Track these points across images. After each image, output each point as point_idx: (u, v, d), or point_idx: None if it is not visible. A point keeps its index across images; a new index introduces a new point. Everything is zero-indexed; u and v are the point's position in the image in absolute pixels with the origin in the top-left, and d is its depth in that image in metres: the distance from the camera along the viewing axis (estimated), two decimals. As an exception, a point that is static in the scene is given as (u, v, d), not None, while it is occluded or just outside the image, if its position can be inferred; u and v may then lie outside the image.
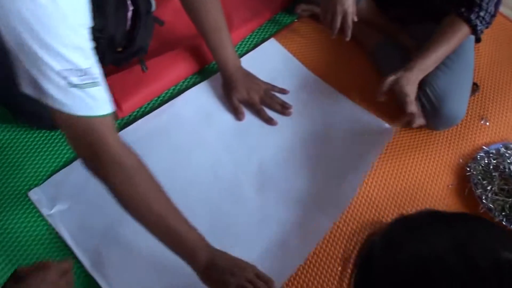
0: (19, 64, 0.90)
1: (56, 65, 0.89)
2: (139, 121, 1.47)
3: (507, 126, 1.60)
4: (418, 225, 0.60)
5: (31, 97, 0.94)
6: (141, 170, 1.04)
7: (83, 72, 0.92)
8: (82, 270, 1.22)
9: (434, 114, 1.47)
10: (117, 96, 1.45)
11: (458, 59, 1.52)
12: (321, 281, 1.25)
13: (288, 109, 1.53)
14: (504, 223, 1.36)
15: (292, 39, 1.73)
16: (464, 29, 1.45)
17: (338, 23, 1.50)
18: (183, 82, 1.59)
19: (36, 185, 1.34)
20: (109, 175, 1.01)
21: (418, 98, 1.47)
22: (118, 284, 1.21)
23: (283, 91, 1.57)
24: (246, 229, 1.31)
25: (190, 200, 1.28)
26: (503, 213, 1.38)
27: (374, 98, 1.49)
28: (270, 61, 1.64)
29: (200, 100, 1.54)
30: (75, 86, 0.92)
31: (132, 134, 1.43)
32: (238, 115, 1.51)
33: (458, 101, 1.48)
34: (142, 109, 1.52)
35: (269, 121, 1.51)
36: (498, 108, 1.64)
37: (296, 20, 1.80)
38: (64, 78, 0.90)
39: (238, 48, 1.68)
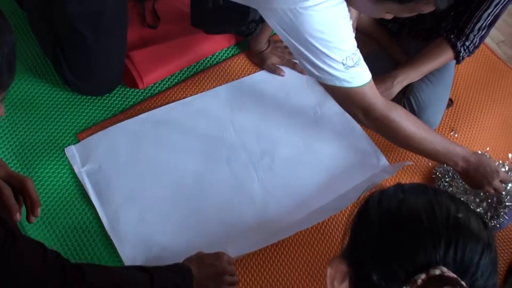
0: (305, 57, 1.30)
1: (338, 57, 1.26)
2: (159, 109, 1.64)
3: (473, 139, 1.87)
4: (408, 189, 0.81)
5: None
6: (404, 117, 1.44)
7: (353, 54, 1.28)
8: (101, 228, 1.42)
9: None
10: (140, 69, 1.65)
11: (441, 75, 1.77)
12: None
13: None
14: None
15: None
16: (449, 53, 1.70)
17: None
18: (204, 60, 1.81)
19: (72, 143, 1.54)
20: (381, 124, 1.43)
21: (403, 104, 1.72)
22: (130, 247, 1.39)
23: None
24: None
25: (204, 192, 1.53)
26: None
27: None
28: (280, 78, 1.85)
29: (224, 98, 1.73)
30: (351, 66, 1.28)
31: (151, 119, 1.62)
32: (280, 74, 1.82)
33: (435, 112, 1.74)
34: (163, 83, 1.73)
35: (302, 70, 1.81)
36: (467, 122, 1.91)
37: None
38: (344, 64, 1.27)
39: (232, 48, 1.88)
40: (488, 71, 2.06)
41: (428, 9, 1.22)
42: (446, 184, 1.70)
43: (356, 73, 1.31)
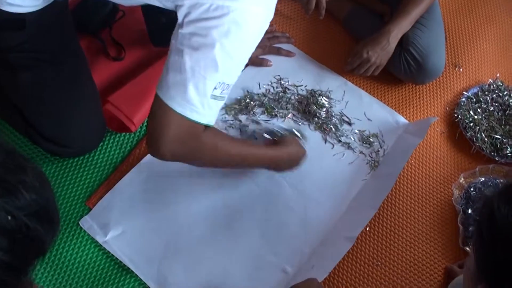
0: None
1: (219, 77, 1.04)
2: None
3: (479, 70, 1.81)
4: None
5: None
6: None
7: (228, 86, 1.06)
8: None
9: (419, 70, 1.63)
10: (126, 112, 1.50)
11: (431, 17, 1.68)
12: None
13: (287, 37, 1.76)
14: (496, 158, 1.56)
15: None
16: None
17: (312, 5, 1.57)
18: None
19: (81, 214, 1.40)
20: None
21: (404, 57, 1.63)
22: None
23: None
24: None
25: (239, 217, 1.42)
26: (494, 150, 1.58)
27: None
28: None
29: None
30: (214, 97, 1.04)
31: (155, 161, 1.33)
32: (268, 64, 1.69)
33: (439, 55, 1.65)
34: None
35: (288, 53, 1.72)
36: (467, 54, 1.84)
37: None
38: (214, 89, 1.03)
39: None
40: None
41: None
42: (471, 124, 1.62)
43: (213, 107, 1.08)
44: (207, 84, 1.03)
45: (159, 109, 1.06)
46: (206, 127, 1.11)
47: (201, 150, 1.14)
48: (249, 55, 1.08)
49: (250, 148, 1.32)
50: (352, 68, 1.64)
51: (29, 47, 1.29)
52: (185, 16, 1.03)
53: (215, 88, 1.04)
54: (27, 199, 0.61)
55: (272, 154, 1.35)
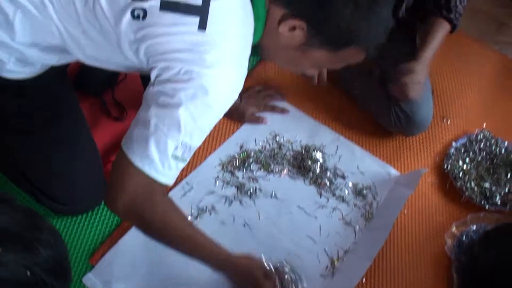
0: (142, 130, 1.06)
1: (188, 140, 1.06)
2: None
3: (465, 120, 1.89)
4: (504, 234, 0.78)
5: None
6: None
7: (190, 148, 1.07)
8: None
9: (409, 122, 1.70)
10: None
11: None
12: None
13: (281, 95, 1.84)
14: (486, 206, 1.62)
15: (261, 79, 1.90)
16: (446, 27, 1.69)
17: (316, 80, 1.60)
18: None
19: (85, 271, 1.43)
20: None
21: (393, 110, 1.70)
22: None
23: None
24: None
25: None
26: (484, 198, 1.64)
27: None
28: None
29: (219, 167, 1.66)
30: (175, 157, 1.06)
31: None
32: (264, 122, 1.75)
33: (426, 108, 1.73)
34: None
35: (283, 110, 1.79)
36: (454, 106, 1.92)
37: (260, 61, 1.94)
38: (175, 148, 1.05)
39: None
40: (453, 47, 2.06)
41: (358, 58, 1.17)
42: (460, 174, 1.68)
43: (172, 168, 1.09)
44: (168, 142, 1.05)
45: (120, 161, 1.09)
46: (164, 194, 1.13)
47: (152, 212, 1.12)
48: (214, 122, 1.11)
49: (205, 237, 1.21)
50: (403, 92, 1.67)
51: (28, 110, 1.34)
52: (157, 76, 1.07)
53: (176, 148, 1.06)
54: (44, 255, 0.66)
55: (225, 256, 1.23)
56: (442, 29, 1.69)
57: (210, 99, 1.05)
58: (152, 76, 1.08)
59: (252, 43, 1.13)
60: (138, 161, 1.06)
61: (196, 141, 1.09)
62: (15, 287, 0.63)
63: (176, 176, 1.12)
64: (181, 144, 1.06)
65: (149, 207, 1.11)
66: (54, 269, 0.68)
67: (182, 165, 1.10)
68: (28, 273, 0.64)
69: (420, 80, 1.64)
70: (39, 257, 0.66)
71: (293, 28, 1.09)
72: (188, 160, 1.10)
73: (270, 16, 1.11)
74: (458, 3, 1.67)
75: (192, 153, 1.10)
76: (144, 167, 1.06)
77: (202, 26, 1.03)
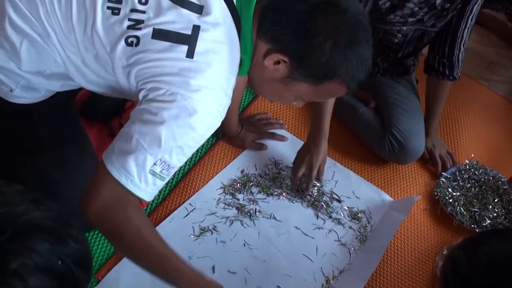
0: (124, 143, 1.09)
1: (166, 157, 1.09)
2: (165, 221, 1.60)
3: (455, 151, 1.99)
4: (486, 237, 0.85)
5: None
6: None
7: (169, 167, 1.11)
8: None
9: (402, 151, 1.80)
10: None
11: (411, 103, 1.89)
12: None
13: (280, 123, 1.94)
14: (476, 230, 1.69)
15: (261, 109, 2.00)
16: (448, 85, 1.87)
17: (309, 189, 1.71)
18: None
19: None
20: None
21: (388, 139, 1.81)
22: None
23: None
24: None
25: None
26: (474, 222, 1.72)
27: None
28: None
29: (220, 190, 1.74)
30: (153, 173, 1.09)
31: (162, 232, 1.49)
32: (263, 149, 1.83)
33: (419, 137, 1.83)
34: (162, 192, 1.69)
35: (282, 138, 1.88)
36: (445, 138, 2.03)
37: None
38: (154, 164, 1.08)
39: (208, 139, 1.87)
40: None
41: (340, 93, 1.22)
42: (450, 200, 1.76)
43: (149, 183, 1.11)
44: (147, 157, 1.08)
45: (99, 171, 1.12)
46: (138, 208, 1.15)
47: (124, 225, 1.12)
48: (194, 145, 1.14)
49: (176, 256, 1.18)
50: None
51: (35, 133, 1.40)
52: (144, 96, 1.12)
53: (154, 164, 1.09)
54: (73, 248, 0.73)
55: (195, 276, 1.20)
56: (445, 92, 1.87)
57: (192, 121, 1.09)
58: (140, 96, 1.13)
59: (240, 75, 1.22)
60: (115, 172, 1.09)
61: (176, 161, 1.12)
62: (48, 274, 0.69)
63: (154, 193, 1.14)
64: (160, 160, 1.09)
65: (121, 219, 1.12)
66: (80, 262, 0.75)
67: (160, 182, 1.12)
68: (60, 262, 0.71)
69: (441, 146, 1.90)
70: (69, 249, 0.73)
71: (278, 62, 1.16)
72: (167, 179, 1.13)
73: (257, 50, 1.18)
74: (458, 52, 1.77)
75: (172, 173, 1.13)
76: (121, 178, 1.08)
77: (190, 54, 1.10)
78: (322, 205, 1.71)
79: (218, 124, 1.16)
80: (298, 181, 1.72)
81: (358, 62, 1.13)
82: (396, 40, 1.79)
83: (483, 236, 0.87)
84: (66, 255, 0.72)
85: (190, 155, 1.16)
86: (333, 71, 1.13)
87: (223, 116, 1.17)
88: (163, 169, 1.11)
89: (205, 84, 1.10)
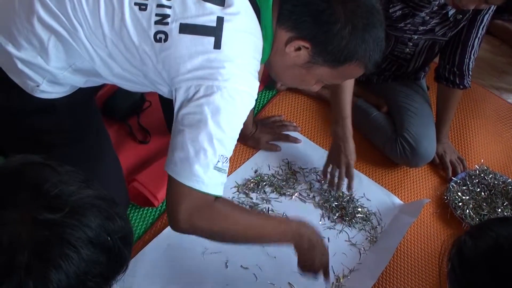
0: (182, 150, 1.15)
1: (222, 151, 1.14)
2: None
3: (465, 156, 2.02)
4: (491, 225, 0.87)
5: None
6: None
7: (226, 159, 1.17)
8: None
9: (413, 154, 1.84)
10: (151, 189, 1.68)
11: (423, 108, 1.93)
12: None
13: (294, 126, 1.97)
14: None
15: (276, 111, 2.05)
16: (459, 93, 1.91)
17: (341, 185, 1.76)
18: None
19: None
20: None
21: (399, 142, 1.84)
22: None
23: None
24: None
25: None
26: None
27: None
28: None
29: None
30: (218, 169, 1.15)
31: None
32: (276, 150, 1.88)
33: (430, 141, 1.87)
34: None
35: (296, 140, 1.92)
36: (455, 143, 2.07)
37: (275, 94, 2.11)
38: (217, 162, 1.14)
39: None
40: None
41: (358, 74, 1.28)
42: (459, 204, 1.79)
43: (218, 179, 1.17)
44: (208, 156, 1.13)
45: (171, 186, 1.18)
46: (217, 198, 1.20)
47: (216, 218, 1.21)
48: (239, 129, 1.20)
49: (267, 217, 1.39)
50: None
51: (59, 127, 1.44)
52: (182, 101, 1.17)
53: (217, 161, 1.14)
54: (120, 226, 0.79)
55: (292, 224, 1.35)
56: (456, 100, 1.91)
57: (233, 108, 1.15)
58: (178, 101, 1.19)
59: (262, 62, 1.27)
60: (186, 181, 1.14)
61: (230, 150, 1.19)
62: (98, 248, 0.75)
63: (222, 186, 1.19)
64: (219, 155, 1.15)
65: (211, 215, 1.20)
66: (125, 238, 0.81)
67: (224, 175, 1.18)
68: (108, 238, 0.77)
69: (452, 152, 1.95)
70: (116, 226, 0.79)
71: (299, 48, 1.22)
72: (227, 170, 1.19)
73: (277, 38, 1.24)
74: (469, 61, 1.81)
75: (228, 163, 1.19)
76: (193, 185, 1.14)
77: (217, 45, 1.15)
78: (333, 207, 1.75)
79: (253, 104, 1.22)
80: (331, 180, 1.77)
81: (374, 44, 1.20)
82: (407, 49, 1.83)
83: (489, 223, 0.89)
84: (114, 231, 0.78)
85: (236, 140, 1.21)
86: (352, 53, 1.19)
87: (255, 97, 1.22)
88: (223, 162, 1.16)
89: (235, 72, 1.15)
